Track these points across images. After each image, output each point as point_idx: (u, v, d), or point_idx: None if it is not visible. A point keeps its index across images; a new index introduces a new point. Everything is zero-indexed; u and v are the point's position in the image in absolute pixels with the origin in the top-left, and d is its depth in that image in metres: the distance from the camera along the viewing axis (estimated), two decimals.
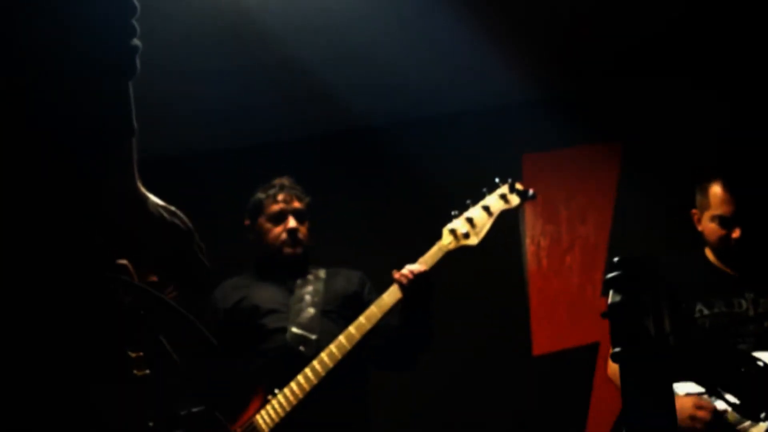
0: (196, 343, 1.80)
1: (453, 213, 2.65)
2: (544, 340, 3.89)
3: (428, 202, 3.97)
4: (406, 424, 3.80)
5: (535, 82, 3.83)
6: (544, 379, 3.77)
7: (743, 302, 2.62)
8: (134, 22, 0.93)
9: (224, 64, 3.64)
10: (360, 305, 2.70)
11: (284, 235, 2.80)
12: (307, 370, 2.52)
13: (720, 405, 2.36)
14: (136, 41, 0.94)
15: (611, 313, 1.40)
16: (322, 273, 2.90)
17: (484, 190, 2.65)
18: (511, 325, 3.93)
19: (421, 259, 2.62)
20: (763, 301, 2.60)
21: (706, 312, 2.61)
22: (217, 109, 4.04)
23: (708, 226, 2.71)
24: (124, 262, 1.08)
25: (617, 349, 1.38)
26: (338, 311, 2.76)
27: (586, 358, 3.70)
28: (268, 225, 2.84)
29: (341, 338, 2.55)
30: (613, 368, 2.72)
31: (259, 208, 2.86)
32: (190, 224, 1.13)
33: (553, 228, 4.01)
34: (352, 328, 2.56)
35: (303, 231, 2.85)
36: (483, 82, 3.85)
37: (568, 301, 3.85)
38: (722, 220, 2.66)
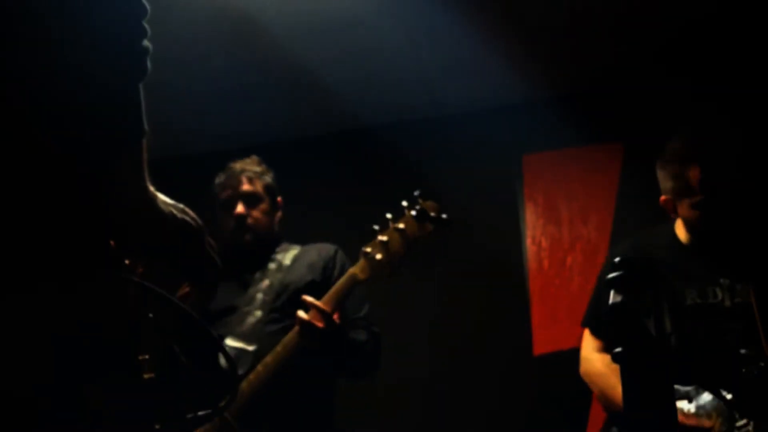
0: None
1: (374, 228, 2.37)
2: (545, 341, 3.89)
3: None
4: (406, 424, 3.81)
5: (536, 82, 3.83)
6: (544, 379, 3.78)
7: (718, 291, 2.44)
8: (144, 23, 0.94)
9: (223, 64, 3.64)
10: (317, 295, 2.45)
11: (232, 223, 2.62)
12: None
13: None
14: (146, 43, 0.94)
15: (612, 313, 1.40)
16: (288, 258, 2.67)
17: (404, 203, 2.35)
18: (511, 325, 3.94)
19: (328, 295, 2.35)
20: (740, 287, 2.41)
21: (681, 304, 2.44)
22: (217, 109, 4.05)
23: (691, 213, 2.47)
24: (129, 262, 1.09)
25: (618, 349, 1.39)
26: (286, 310, 2.52)
27: None
28: (221, 213, 2.66)
29: (259, 367, 2.34)
30: (589, 368, 2.63)
31: (216, 197, 2.70)
32: (200, 222, 1.14)
33: (554, 228, 4.01)
34: (269, 358, 2.34)
35: (256, 215, 2.64)
36: (483, 82, 3.86)
37: (569, 301, 3.86)
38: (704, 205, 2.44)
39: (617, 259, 1.45)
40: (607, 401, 2.59)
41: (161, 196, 1.08)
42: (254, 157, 2.77)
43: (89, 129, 0.93)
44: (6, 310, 0.91)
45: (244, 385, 2.31)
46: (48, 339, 0.93)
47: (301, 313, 2.32)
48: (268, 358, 2.33)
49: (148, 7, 0.94)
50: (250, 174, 2.67)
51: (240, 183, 2.65)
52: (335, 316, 2.33)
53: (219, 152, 4.37)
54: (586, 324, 2.71)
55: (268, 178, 2.72)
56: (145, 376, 0.96)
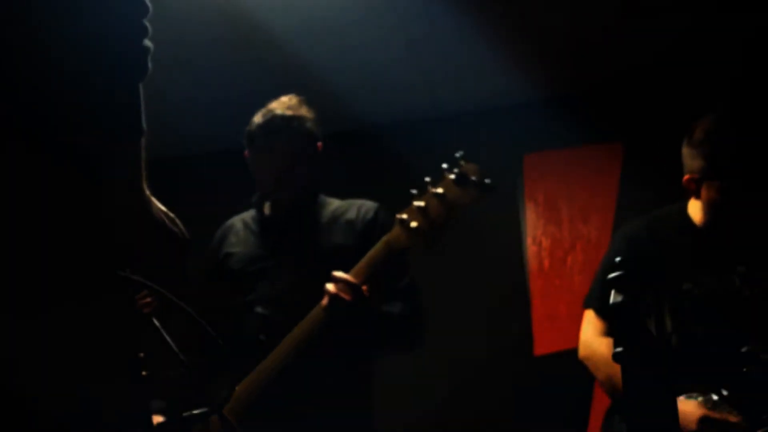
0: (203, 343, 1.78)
1: (412, 192, 2.13)
2: (546, 341, 3.89)
3: None
4: (406, 424, 3.80)
5: (537, 82, 3.84)
6: (545, 379, 3.78)
7: (735, 279, 2.29)
8: (146, 22, 0.93)
9: (224, 64, 3.64)
10: (353, 260, 2.23)
11: (269, 183, 2.44)
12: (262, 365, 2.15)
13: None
14: (147, 42, 0.94)
15: (613, 313, 1.40)
16: (326, 215, 2.48)
17: (444, 166, 2.12)
18: (512, 325, 3.93)
19: (358, 265, 2.13)
20: (760, 276, 2.27)
21: (695, 291, 2.28)
22: (217, 109, 4.05)
23: (718, 195, 2.30)
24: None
25: (618, 349, 1.38)
26: (319, 277, 2.22)
27: None
28: (254, 166, 2.47)
29: (285, 341, 2.15)
30: (592, 353, 2.44)
31: (249, 142, 2.48)
32: (187, 235, 1.12)
33: (554, 228, 4.01)
34: (294, 331, 2.15)
35: (296, 172, 2.44)
36: (484, 82, 3.86)
37: (570, 301, 3.85)
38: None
39: (618, 259, 1.45)
40: (613, 388, 2.42)
41: (155, 202, 1.07)
42: (292, 99, 2.56)
43: (89, 129, 0.93)
44: (4, 309, 0.91)
45: (267, 359, 2.15)
46: (49, 336, 0.93)
47: (329, 285, 2.11)
48: (294, 332, 2.14)
49: (150, 5, 0.94)
50: (286, 135, 2.44)
51: (274, 145, 2.43)
52: (364, 288, 2.12)
53: (219, 152, 4.38)
54: (589, 305, 2.51)
55: (298, 136, 2.47)
56: (143, 373, 0.95)
